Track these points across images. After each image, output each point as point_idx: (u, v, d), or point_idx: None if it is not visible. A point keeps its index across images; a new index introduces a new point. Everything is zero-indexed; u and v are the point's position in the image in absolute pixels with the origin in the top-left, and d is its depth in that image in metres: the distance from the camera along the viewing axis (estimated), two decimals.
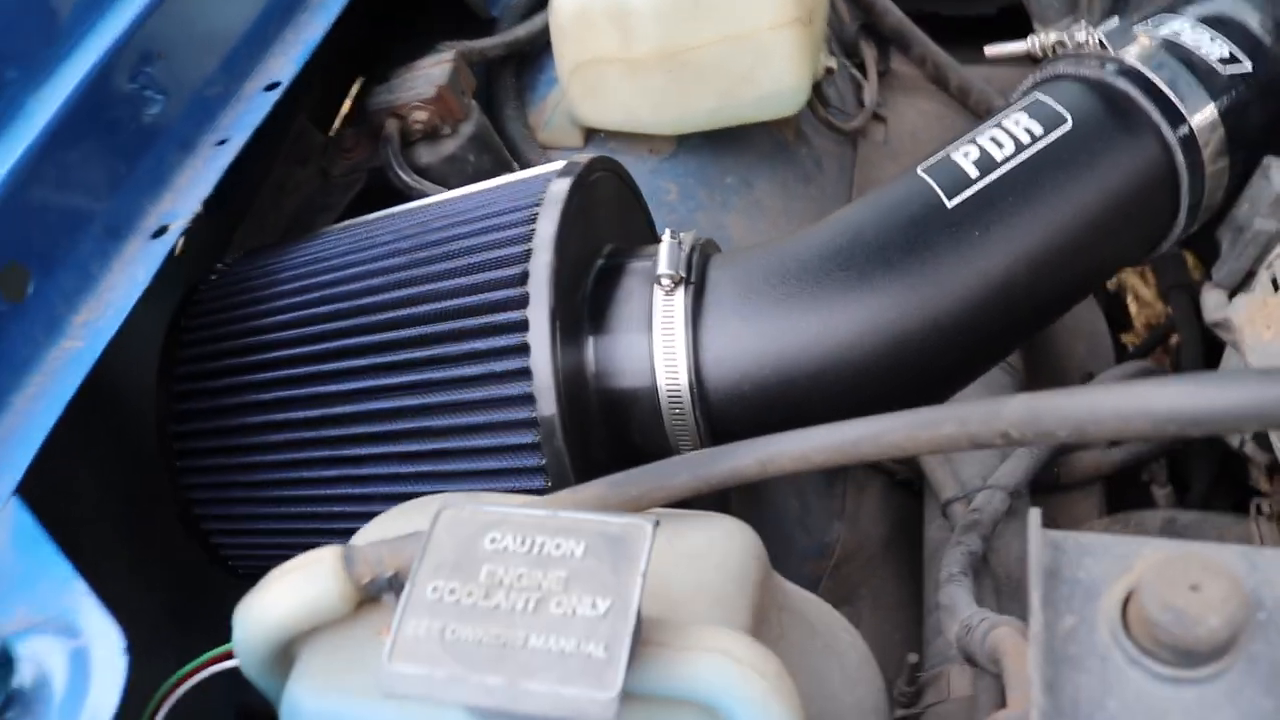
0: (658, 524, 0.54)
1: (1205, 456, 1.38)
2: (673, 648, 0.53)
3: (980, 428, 0.56)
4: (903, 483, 1.41)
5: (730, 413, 0.89)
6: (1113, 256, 1.03)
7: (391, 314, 0.89)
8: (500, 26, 1.45)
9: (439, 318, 0.87)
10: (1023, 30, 1.89)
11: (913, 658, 1.08)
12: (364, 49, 1.52)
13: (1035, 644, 0.51)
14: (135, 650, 1.02)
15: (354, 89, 1.54)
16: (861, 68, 1.73)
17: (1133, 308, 2.48)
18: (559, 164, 0.94)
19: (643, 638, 0.53)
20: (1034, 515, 0.55)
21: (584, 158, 0.94)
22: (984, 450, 1.26)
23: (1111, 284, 2.13)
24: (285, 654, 0.64)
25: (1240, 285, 1.10)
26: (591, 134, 1.38)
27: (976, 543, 1.08)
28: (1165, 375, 1.41)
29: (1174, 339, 1.91)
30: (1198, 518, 1.22)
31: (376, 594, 0.61)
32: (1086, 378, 1.52)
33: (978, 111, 1.76)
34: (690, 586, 0.61)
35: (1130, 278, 2.53)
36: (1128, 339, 2.21)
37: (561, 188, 0.88)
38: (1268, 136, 1.03)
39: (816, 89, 1.53)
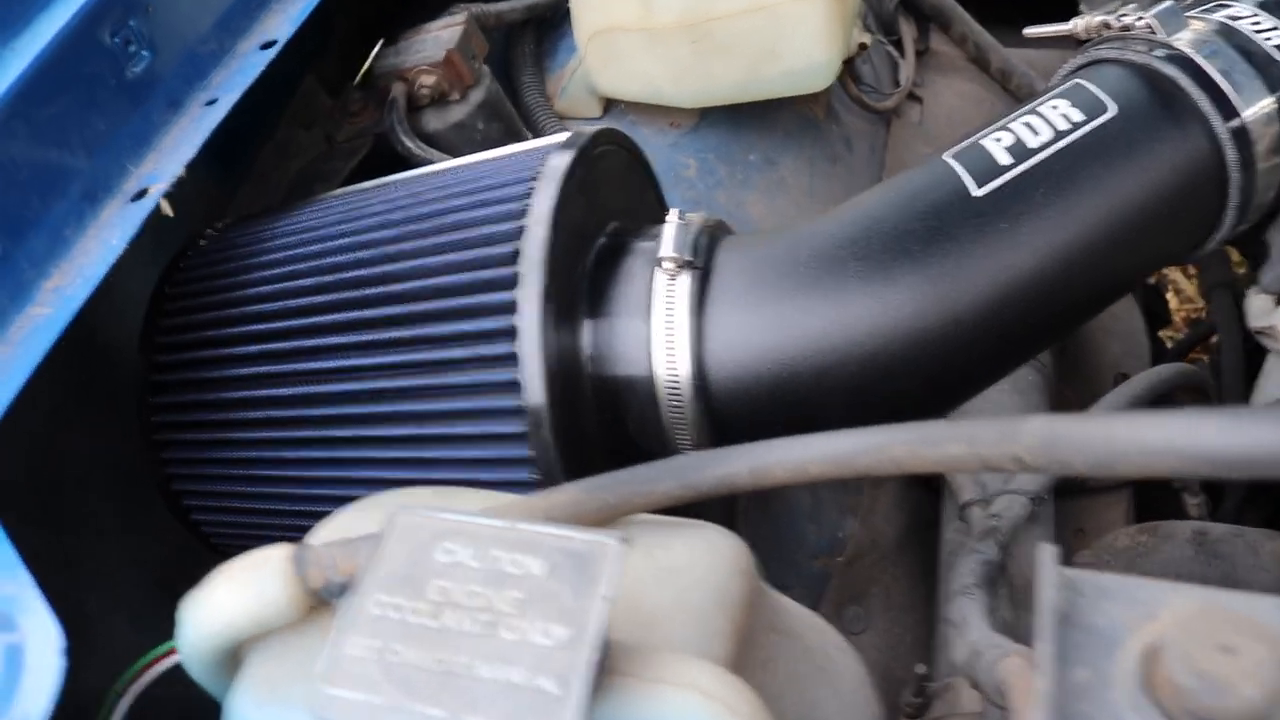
0: (627, 542, 0.49)
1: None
2: (636, 679, 0.48)
3: (991, 450, 0.51)
4: (920, 479, 1.35)
5: (732, 408, 0.83)
6: (1153, 254, 0.96)
7: (377, 289, 0.84)
8: None
9: (426, 296, 0.82)
10: (1068, 11, 1.81)
11: (921, 668, 1.03)
12: (385, 12, 1.47)
13: (1042, 703, 0.45)
14: (123, 618, 0.99)
15: (373, 54, 1.49)
16: (899, 45, 1.67)
17: (1172, 302, 2.41)
18: (562, 136, 0.88)
19: (607, 666, 0.48)
20: (1047, 552, 0.50)
21: (589, 130, 0.88)
22: None
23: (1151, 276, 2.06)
24: (234, 656, 0.59)
25: None
26: (610, 104, 1.33)
27: (994, 551, 1.02)
28: (1201, 407, 1.35)
29: (1213, 339, 1.85)
30: (1230, 531, 1.16)
31: (328, 599, 0.56)
32: (1120, 377, 1.45)
33: (1019, 95, 1.69)
34: (666, 605, 0.56)
35: (1171, 271, 2.45)
36: (1166, 334, 2.14)
37: (562, 161, 0.83)
38: None
39: (849, 65, 1.47)
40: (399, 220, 0.87)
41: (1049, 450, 0.48)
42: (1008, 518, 1.08)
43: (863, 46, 1.40)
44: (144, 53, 0.91)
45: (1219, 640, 0.44)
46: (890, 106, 1.55)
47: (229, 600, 0.57)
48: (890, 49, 1.66)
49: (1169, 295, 2.41)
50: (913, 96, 1.65)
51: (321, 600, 0.57)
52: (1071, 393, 1.44)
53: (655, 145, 1.29)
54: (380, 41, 1.47)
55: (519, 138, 1.22)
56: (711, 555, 0.59)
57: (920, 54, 1.70)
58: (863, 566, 1.29)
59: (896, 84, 1.61)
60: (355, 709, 0.46)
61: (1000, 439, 0.50)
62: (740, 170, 1.31)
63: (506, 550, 0.49)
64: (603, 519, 0.59)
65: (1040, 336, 0.92)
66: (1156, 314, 1.90)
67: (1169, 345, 1.97)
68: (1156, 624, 0.48)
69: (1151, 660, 0.47)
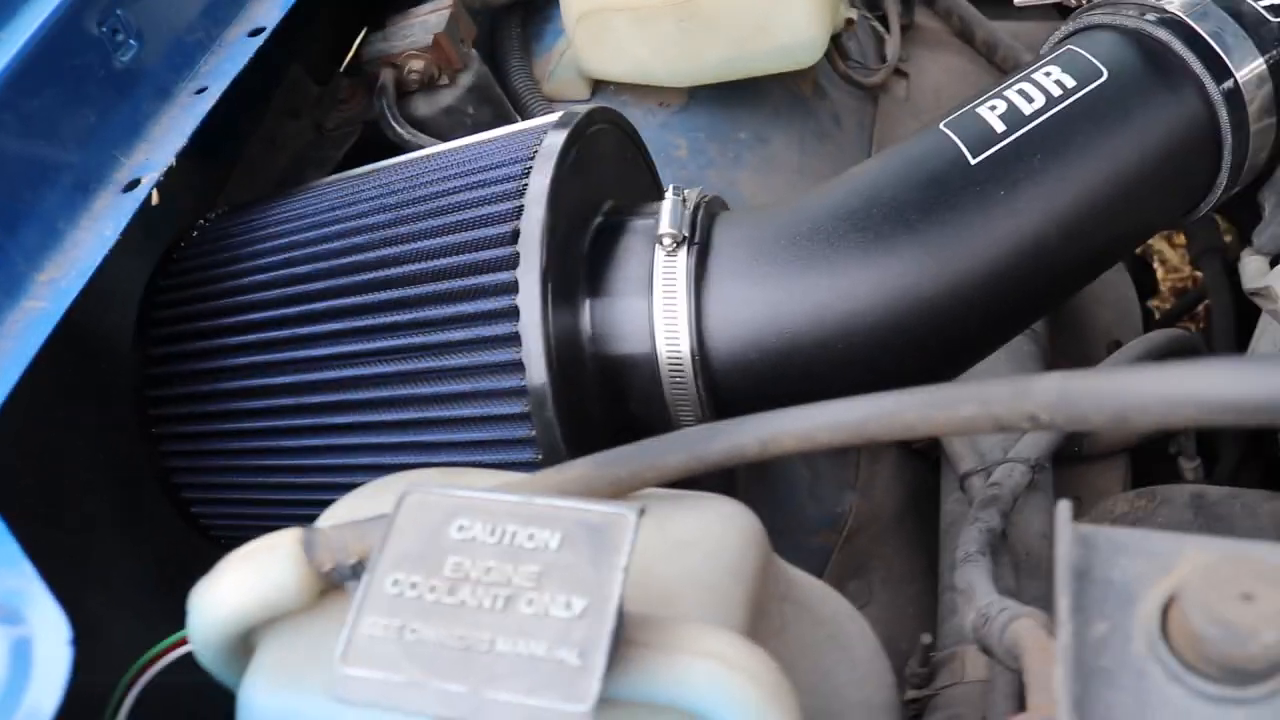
0: (642, 513, 0.49)
1: (1234, 429, 1.32)
2: (657, 649, 0.48)
3: (1005, 409, 0.51)
4: (918, 451, 1.35)
5: (734, 382, 0.83)
6: (1148, 219, 0.96)
7: (374, 274, 0.84)
8: None
9: (424, 279, 0.81)
10: None
11: (926, 638, 1.03)
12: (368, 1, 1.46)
13: (1064, 658, 0.45)
14: (125, 613, 0.98)
15: (358, 40, 1.48)
16: (884, 20, 1.66)
17: (1159, 271, 2.42)
18: (555, 116, 0.88)
19: (624, 636, 0.48)
20: (1063, 508, 0.49)
21: (582, 109, 0.88)
22: None
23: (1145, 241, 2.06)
24: (245, 644, 0.59)
25: None
26: (599, 85, 1.32)
27: (995, 519, 1.02)
28: (1210, 356, 1.35)
29: (1203, 305, 1.85)
30: (1226, 494, 1.16)
31: (340, 582, 0.56)
32: (1113, 345, 1.46)
33: (1004, 68, 1.69)
34: (679, 578, 0.55)
35: (1156, 241, 2.46)
36: (1154, 304, 2.15)
37: (556, 140, 0.82)
38: None
39: (836, 41, 1.47)
40: (394, 204, 0.87)
41: (1065, 406, 0.48)
42: (1008, 485, 1.08)
43: (849, 22, 1.39)
44: (131, 42, 0.90)
45: (1237, 588, 0.44)
46: (878, 82, 1.55)
47: (239, 586, 0.56)
48: (876, 24, 1.66)
49: (1155, 265, 2.42)
50: (899, 72, 1.64)
51: (332, 583, 0.57)
52: (1065, 362, 1.45)
53: (645, 126, 1.28)
54: (365, 28, 1.46)
55: (509, 121, 1.22)
56: (723, 526, 0.59)
57: (905, 28, 1.69)
58: (863, 540, 1.29)
59: (883, 60, 1.60)
60: (375, 687, 0.46)
61: (1014, 397, 0.50)
62: (731, 149, 1.31)
63: (521, 524, 0.49)
64: (613, 494, 0.59)
65: (1039, 302, 0.92)
66: (1144, 284, 1.91)
67: (1157, 315, 1.98)
68: (1173, 576, 0.48)
69: (1170, 611, 0.47)
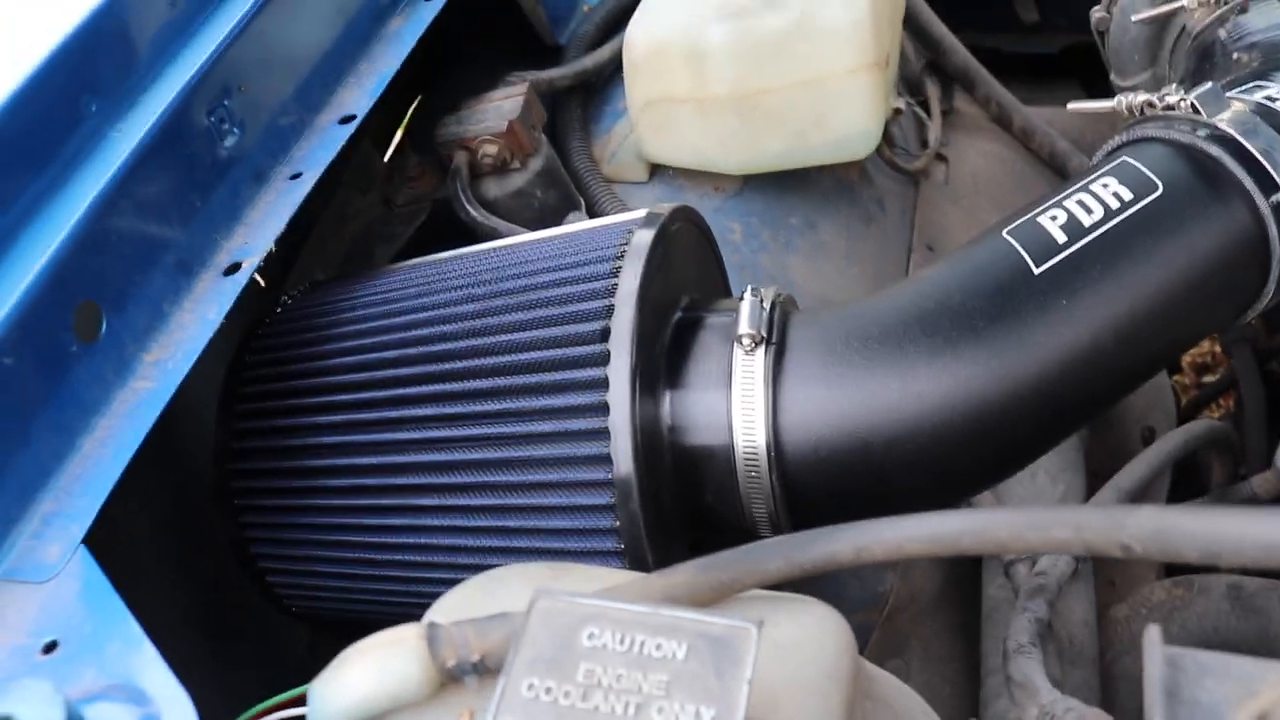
0: (762, 626, 0.52)
1: None
2: None
3: (1098, 537, 0.54)
4: None
5: (805, 477, 0.86)
6: (1199, 326, 1.00)
7: (463, 363, 0.87)
8: (567, 56, 1.44)
9: (513, 370, 0.85)
10: (1083, 71, 1.86)
11: None
12: (422, 68, 1.51)
13: None
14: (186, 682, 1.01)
15: (410, 110, 1.53)
16: (925, 106, 1.71)
17: None
18: (640, 212, 0.92)
19: None
20: (1152, 633, 0.53)
21: (665, 207, 0.92)
22: None
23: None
24: None
25: None
26: (656, 169, 1.36)
27: (1043, 609, 1.05)
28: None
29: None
30: (1263, 585, 1.19)
31: (459, 677, 0.59)
32: (1147, 432, 1.49)
33: (1040, 154, 1.74)
34: (784, 682, 0.58)
35: None
36: (1176, 379, 2.18)
37: (645, 239, 0.86)
38: None
39: (884, 129, 1.52)
40: (483, 295, 0.91)
41: (1159, 540, 0.51)
42: (1053, 575, 1.11)
43: (897, 111, 1.44)
44: (235, 130, 0.95)
45: None
46: (920, 168, 1.59)
47: (364, 677, 0.59)
48: (918, 110, 1.70)
49: None
50: (939, 157, 1.69)
51: (452, 678, 0.60)
52: (1099, 446, 1.48)
53: (701, 209, 1.30)
54: (417, 99, 1.51)
55: (573, 203, 1.26)
56: (820, 631, 0.62)
57: (945, 114, 1.74)
58: (903, 621, 1.32)
59: (924, 144, 1.65)
60: None
61: (1108, 527, 0.54)
62: (783, 234, 1.35)
63: (649, 634, 0.52)
64: (714, 598, 0.62)
65: (1094, 406, 0.96)
66: None
67: (1182, 398, 2.01)
68: (1260, 699, 0.51)
69: None
